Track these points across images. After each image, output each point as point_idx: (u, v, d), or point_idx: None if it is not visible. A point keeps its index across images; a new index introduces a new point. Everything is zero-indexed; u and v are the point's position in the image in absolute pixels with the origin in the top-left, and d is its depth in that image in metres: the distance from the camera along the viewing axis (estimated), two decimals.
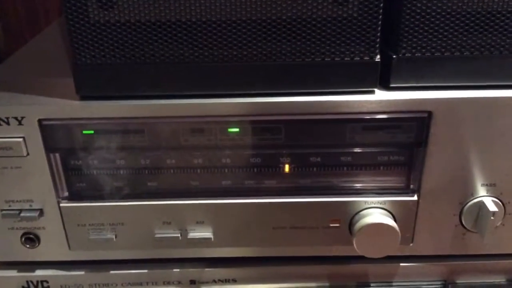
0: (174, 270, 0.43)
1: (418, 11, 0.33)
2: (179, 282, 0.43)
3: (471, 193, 0.38)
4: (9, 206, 0.39)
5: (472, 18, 0.34)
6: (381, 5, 0.32)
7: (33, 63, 0.46)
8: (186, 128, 0.37)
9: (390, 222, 0.37)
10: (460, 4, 0.33)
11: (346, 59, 0.34)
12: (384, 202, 0.38)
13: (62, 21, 0.60)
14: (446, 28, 0.34)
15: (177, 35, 0.33)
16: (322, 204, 0.39)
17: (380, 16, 0.33)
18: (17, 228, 0.40)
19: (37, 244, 0.40)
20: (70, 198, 0.39)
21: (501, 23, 0.34)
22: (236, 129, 0.37)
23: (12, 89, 0.38)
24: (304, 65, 0.34)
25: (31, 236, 0.40)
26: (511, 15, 0.33)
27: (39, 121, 0.35)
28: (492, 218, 0.37)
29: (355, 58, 0.34)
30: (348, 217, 0.39)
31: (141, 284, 0.43)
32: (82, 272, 0.42)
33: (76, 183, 0.39)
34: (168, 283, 0.43)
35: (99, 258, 0.42)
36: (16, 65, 0.45)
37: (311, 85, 0.35)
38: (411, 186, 0.38)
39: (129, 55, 0.34)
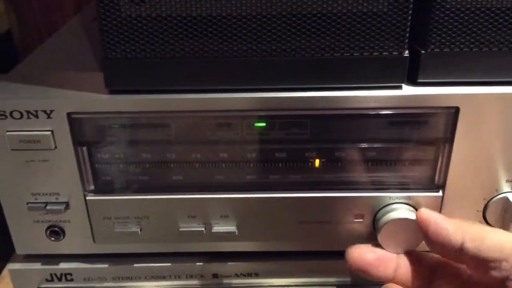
0: (197, 263, 0.43)
1: (448, 6, 0.33)
2: (202, 276, 0.43)
3: (496, 189, 0.38)
4: (36, 199, 0.39)
5: (502, 14, 0.33)
6: (411, 0, 0.32)
7: (57, 58, 0.46)
8: (212, 123, 0.37)
9: (415, 217, 0.37)
10: (489, 0, 0.33)
11: (374, 54, 0.34)
12: (409, 197, 0.38)
13: (82, 16, 0.60)
14: (475, 23, 0.34)
15: (207, 30, 0.33)
16: (347, 199, 0.39)
17: (410, 12, 0.33)
18: (42, 221, 0.40)
19: (62, 237, 0.41)
20: (96, 192, 0.39)
21: None
22: (263, 124, 0.37)
23: (39, 82, 0.38)
24: (333, 60, 0.34)
25: (56, 229, 0.40)
26: None
27: (68, 114, 0.36)
28: None
29: (384, 53, 0.34)
30: (372, 213, 0.39)
31: (164, 277, 0.43)
32: (106, 265, 0.43)
33: (103, 176, 0.39)
34: (191, 276, 0.43)
35: (123, 251, 0.42)
36: (40, 60, 0.46)
37: (339, 80, 0.35)
38: (436, 181, 0.38)
39: (159, 49, 0.34)
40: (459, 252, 0.31)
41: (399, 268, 0.36)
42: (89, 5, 0.77)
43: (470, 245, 0.30)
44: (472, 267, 0.31)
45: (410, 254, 0.37)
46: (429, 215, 0.33)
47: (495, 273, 0.29)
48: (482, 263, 0.30)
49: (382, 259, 0.36)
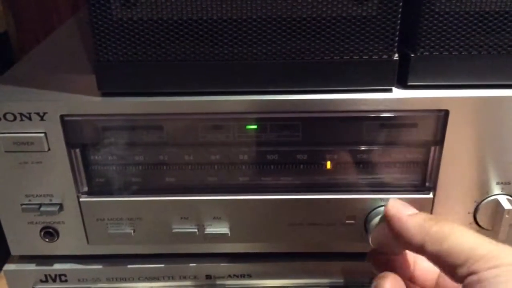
0: (190, 265, 0.43)
1: (437, 10, 0.33)
2: (195, 277, 0.44)
3: (486, 191, 0.39)
4: (29, 200, 0.39)
5: (490, 18, 0.34)
6: (400, 4, 0.33)
7: (51, 60, 0.46)
8: (204, 125, 0.37)
9: None
10: (478, 4, 0.33)
11: (364, 57, 0.34)
12: (400, 199, 0.39)
13: (78, 18, 0.61)
14: (464, 27, 0.34)
15: (198, 33, 0.34)
16: (338, 201, 0.39)
17: (399, 15, 0.33)
18: (36, 223, 0.40)
19: (56, 238, 0.41)
20: (90, 193, 0.39)
21: None
22: (254, 126, 0.37)
23: (33, 85, 0.38)
24: (323, 63, 0.35)
25: (50, 230, 0.41)
26: None
27: (61, 117, 0.36)
28: (507, 216, 0.38)
29: (374, 57, 0.34)
30: (363, 214, 0.39)
31: (157, 278, 0.43)
32: (100, 266, 0.43)
33: (96, 178, 0.39)
34: (184, 277, 0.43)
35: (116, 252, 0.42)
36: (35, 61, 0.46)
37: (329, 83, 0.35)
38: (427, 184, 0.39)
39: (151, 52, 0.34)
40: (421, 252, 0.31)
41: (415, 271, 0.36)
42: (85, 6, 0.78)
43: (429, 248, 0.30)
44: (441, 269, 0.31)
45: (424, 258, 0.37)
46: (394, 213, 0.33)
47: (457, 275, 0.28)
48: (442, 266, 0.29)
49: (401, 262, 0.36)
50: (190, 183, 0.39)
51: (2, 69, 0.43)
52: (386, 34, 0.34)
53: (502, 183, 0.38)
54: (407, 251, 0.36)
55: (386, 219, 0.33)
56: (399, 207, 0.33)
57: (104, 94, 0.36)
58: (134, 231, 0.40)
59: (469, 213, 0.39)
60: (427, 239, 0.30)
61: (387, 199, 0.38)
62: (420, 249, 0.30)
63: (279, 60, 0.34)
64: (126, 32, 0.34)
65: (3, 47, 0.79)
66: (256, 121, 0.37)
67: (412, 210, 0.33)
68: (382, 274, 0.35)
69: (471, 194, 0.39)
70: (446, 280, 0.35)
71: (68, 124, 0.36)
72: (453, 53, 0.35)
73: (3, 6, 0.79)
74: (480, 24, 0.34)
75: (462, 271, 0.28)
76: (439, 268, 0.30)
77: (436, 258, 0.29)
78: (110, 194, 0.40)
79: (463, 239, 0.29)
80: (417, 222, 0.31)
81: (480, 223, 0.40)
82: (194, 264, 0.43)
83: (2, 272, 0.43)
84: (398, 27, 0.33)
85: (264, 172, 0.39)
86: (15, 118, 0.36)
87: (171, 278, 0.43)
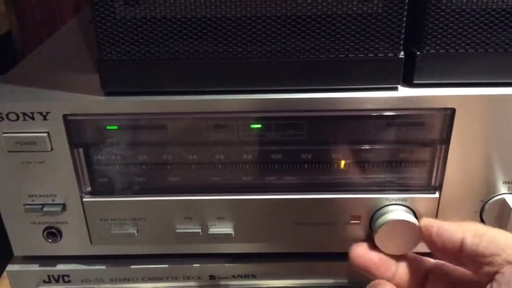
0: (194, 265, 0.43)
1: (443, 7, 0.33)
2: (199, 277, 0.43)
3: (493, 191, 0.38)
4: (32, 200, 0.39)
5: (497, 15, 0.33)
6: (406, 1, 0.32)
7: (54, 59, 0.46)
8: (208, 124, 0.37)
9: (412, 219, 0.37)
10: (484, 1, 0.33)
11: (370, 55, 0.34)
12: (406, 199, 0.38)
13: (81, 18, 0.61)
14: (470, 25, 0.34)
15: (202, 31, 0.33)
16: (343, 201, 0.39)
17: (405, 13, 0.33)
18: (39, 223, 0.40)
19: (59, 239, 0.41)
20: (93, 193, 0.39)
21: None
22: (258, 125, 0.37)
23: (36, 84, 0.38)
24: (328, 62, 0.34)
25: (53, 230, 0.40)
26: None
27: (64, 116, 0.36)
28: None
29: (379, 55, 0.34)
30: (369, 214, 0.39)
31: (161, 279, 0.43)
32: (103, 267, 0.43)
33: (99, 178, 0.39)
34: (188, 278, 0.43)
35: (120, 253, 0.42)
36: (38, 61, 0.46)
37: (335, 82, 0.35)
38: (433, 183, 0.38)
39: (154, 51, 0.34)
40: (459, 250, 0.32)
41: (398, 270, 0.36)
42: (87, 6, 0.77)
43: (469, 241, 0.31)
44: (469, 264, 0.32)
45: (409, 258, 0.37)
46: (431, 220, 0.34)
47: (488, 268, 0.30)
48: (479, 258, 0.31)
49: (385, 260, 0.37)
50: (193, 183, 0.39)
51: (5, 69, 0.43)
52: (392, 32, 0.33)
53: (509, 182, 0.38)
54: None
55: (422, 230, 0.34)
56: (431, 219, 0.35)
57: (107, 94, 0.36)
58: (137, 231, 0.40)
59: (475, 212, 0.39)
60: (467, 233, 0.32)
61: (393, 199, 0.38)
62: (459, 245, 0.32)
63: (283, 58, 0.34)
64: (129, 30, 0.33)
65: (6, 47, 0.79)
66: (261, 120, 0.37)
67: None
68: (377, 281, 0.35)
69: (477, 194, 0.38)
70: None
71: (71, 124, 0.36)
72: (460, 51, 0.34)
73: (6, 6, 0.79)
74: (486, 21, 0.34)
75: (498, 259, 0.30)
76: (471, 262, 0.31)
77: (474, 250, 0.31)
78: (114, 194, 0.39)
79: (502, 232, 0.31)
80: (454, 222, 0.33)
81: (487, 223, 0.39)
82: (198, 265, 0.43)
83: (5, 272, 0.43)
84: (403, 24, 0.33)
85: (268, 172, 0.39)
86: (18, 118, 0.36)
87: (175, 278, 0.43)
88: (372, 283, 0.35)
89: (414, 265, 0.37)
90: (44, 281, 0.43)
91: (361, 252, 0.37)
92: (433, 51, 0.34)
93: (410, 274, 0.36)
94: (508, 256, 0.30)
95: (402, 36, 0.33)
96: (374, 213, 0.39)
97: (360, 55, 0.34)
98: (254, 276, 0.43)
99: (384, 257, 0.37)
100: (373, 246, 0.37)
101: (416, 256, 0.37)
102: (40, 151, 0.37)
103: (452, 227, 0.33)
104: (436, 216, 0.39)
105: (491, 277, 0.30)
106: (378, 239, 0.38)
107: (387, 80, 0.35)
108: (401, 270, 0.36)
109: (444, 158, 0.37)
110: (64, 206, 0.39)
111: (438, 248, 0.33)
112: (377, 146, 0.38)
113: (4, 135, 0.36)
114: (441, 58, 0.35)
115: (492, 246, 0.31)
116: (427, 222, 0.34)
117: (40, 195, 0.39)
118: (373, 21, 0.33)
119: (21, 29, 0.83)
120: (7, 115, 0.36)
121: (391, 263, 0.37)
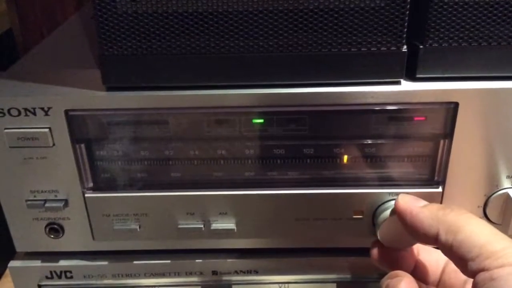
0: (197, 260, 0.43)
1: (446, 1, 0.33)
2: (201, 273, 0.43)
3: (496, 185, 0.38)
4: (34, 196, 0.39)
5: (500, 8, 0.33)
6: None
7: (56, 55, 0.46)
8: (210, 119, 0.37)
9: None
10: None
11: (372, 49, 0.34)
12: (408, 194, 0.38)
13: (82, 14, 0.60)
14: (474, 18, 0.34)
15: (204, 26, 0.33)
16: (346, 196, 0.39)
17: (408, 6, 0.33)
18: (41, 219, 0.40)
19: (61, 235, 0.41)
20: (95, 189, 0.39)
21: None
22: (261, 120, 0.37)
23: (38, 80, 0.38)
24: (330, 56, 0.34)
25: (55, 226, 0.40)
26: None
27: (66, 111, 0.36)
28: None
29: (382, 48, 0.34)
30: (371, 209, 0.39)
31: (163, 274, 0.43)
32: (106, 262, 0.43)
33: (101, 173, 0.39)
34: (190, 273, 0.43)
35: (122, 248, 0.42)
36: (40, 57, 0.46)
37: (337, 76, 0.35)
38: (436, 177, 0.38)
39: (156, 46, 0.34)
40: (435, 243, 0.30)
41: (417, 263, 0.37)
42: (89, 2, 0.77)
43: (443, 238, 0.29)
44: (453, 260, 0.30)
45: (427, 250, 0.37)
46: (405, 207, 0.32)
47: (468, 272, 0.28)
48: (453, 257, 0.29)
49: (404, 254, 0.36)
50: (196, 178, 0.39)
51: (7, 67, 0.43)
52: (395, 25, 0.33)
53: None
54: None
55: (397, 214, 0.33)
56: (409, 201, 0.32)
57: (109, 89, 0.36)
58: (139, 227, 0.40)
59: (478, 207, 0.39)
60: (441, 228, 0.29)
61: (396, 194, 0.38)
62: (434, 240, 0.30)
63: (285, 52, 0.34)
64: (131, 25, 0.33)
65: (7, 45, 0.79)
66: (263, 115, 0.37)
67: (423, 203, 0.32)
68: (395, 273, 0.34)
69: (480, 188, 0.38)
70: (452, 277, 0.35)
71: (73, 119, 0.36)
72: (463, 45, 0.34)
73: (7, 3, 0.79)
74: (490, 14, 0.33)
75: (473, 266, 0.27)
76: (451, 260, 0.30)
77: (449, 249, 0.29)
78: (116, 189, 0.39)
79: (477, 232, 0.28)
80: (430, 212, 0.31)
81: (490, 217, 0.39)
82: (200, 260, 0.43)
83: (8, 269, 0.43)
84: (406, 18, 0.33)
85: (271, 167, 0.39)
86: (19, 113, 0.36)
87: (177, 274, 0.43)
88: (390, 273, 0.34)
89: (432, 257, 0.36)
90: (47, 277, 0.43)
91: (381, 247, 0.37)
92: (436, 45, 0.34)
93: (428, 267, 0.36)
94: (482, 262, 0.27)
95: (405, 29, 0.33)
96: (376, 208, 0.39)
97: (363, 49, 0.34)
98: (256, 272, 0.43)
99: (403, 251, 0.36)
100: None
101: (434, 249, 0.36)
102: (42, 147, 0.37)
103: (427, 220, 0.30)
104: None
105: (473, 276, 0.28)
106: (381, 234, 0.37)
107: (390, 74, 0.35)
108: (420, 262, 0.36)
109: (447, 153, 0.37)
110: (66, 202, 0.39)
111: (414, 237, 0.32)
112: (380, 141, 0.37)
113: (6, 130, 0.36)
114: (444, 52, 0.34)
115: (466, 246, 0.27)
116: (401, 206, 0.32)
117: (42, 191, 0.39)
118: (376, 15, 0.33)
119: (22, 27, 0.83)
120: (8, 110, 0.36)
121: (411, 255, 0.36)
